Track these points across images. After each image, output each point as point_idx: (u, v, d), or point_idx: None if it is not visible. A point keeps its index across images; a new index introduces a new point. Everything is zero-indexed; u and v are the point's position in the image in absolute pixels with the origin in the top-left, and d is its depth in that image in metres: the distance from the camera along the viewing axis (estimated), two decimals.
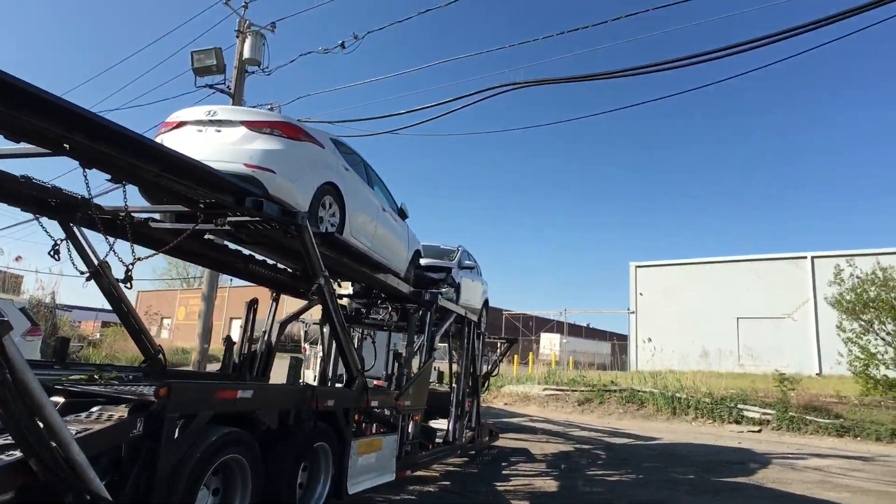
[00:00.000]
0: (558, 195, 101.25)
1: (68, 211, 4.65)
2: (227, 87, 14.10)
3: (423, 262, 8.77)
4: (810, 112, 73.82)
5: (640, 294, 34.05)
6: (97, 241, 4.84)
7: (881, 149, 69.19)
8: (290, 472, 4.29)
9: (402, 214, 7.64)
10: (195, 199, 4.24)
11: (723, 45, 8.56)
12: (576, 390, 18.68)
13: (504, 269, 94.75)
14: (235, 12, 14.56)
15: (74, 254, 4.88)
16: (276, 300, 7.69)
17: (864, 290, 16.88)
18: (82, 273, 4.76)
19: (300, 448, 4.44)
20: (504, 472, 8.84)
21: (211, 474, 3.52)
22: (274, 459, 4.13)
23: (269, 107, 14.15)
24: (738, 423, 15.34)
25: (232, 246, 6.48)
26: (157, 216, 5.31)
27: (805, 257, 29.39)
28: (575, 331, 44.97)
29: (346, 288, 8.90)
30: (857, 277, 17.29)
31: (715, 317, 29.97)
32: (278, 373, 7.09)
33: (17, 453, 2.46)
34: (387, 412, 6.30)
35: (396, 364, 7.07)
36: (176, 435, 3.21)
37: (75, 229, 4.92)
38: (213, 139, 4.90)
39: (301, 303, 8.22)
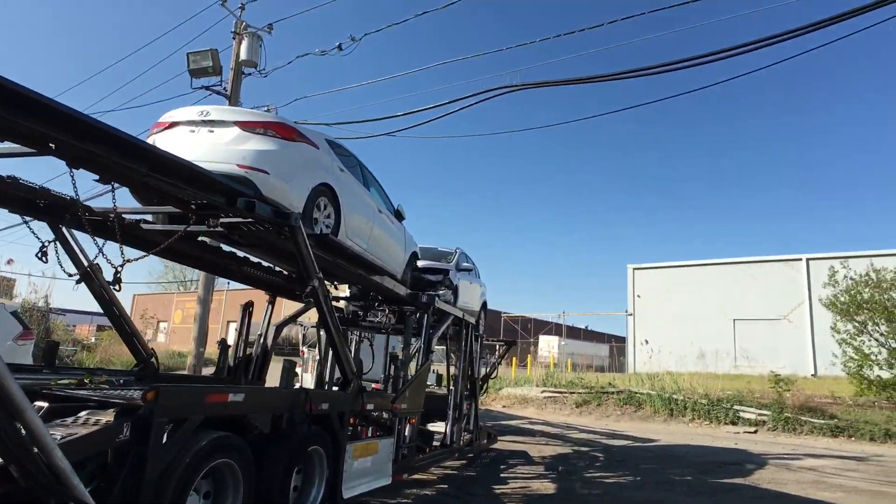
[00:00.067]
0: (556, 197, 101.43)
1: (57, 212, 4.58)
2: (224, 88, 14.05)
3: (420, 264, 8.72)
4: (807, 115, 74.16)
5: (638, 296, 34.10)
6: (89, 243, 4.77)
7: (876, 151, 69.52)
8: (283, 477, 4.22)
9: (399, 216, 7.58)
10: (186, 200, 4.17)
11: (720, 48, 8.58)
12: (574, 392, 18.65)
13: (502, 271, 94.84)
14: (232, 14, 14.52)
15: (64, 256, 4.82)
16: (272, 303, 7.64)
17: (857, 292, 16.97)
18: (71, 275, 4.69)
19: (293, 452, 4.38)
20: (502, 474, 8.78)
21: (201, 478, 3.45)
22: (267, 464, 4.06)
23: (265, 108, 14.08)
24: (734, 424, 15.35)
25: (226, 248, 6.42)
26: (149, 217, 5.25)
27: (800, 259, 29.50)
28: (573, 333, 44.97)
29: (344, 290, 8.84)
30: (851, 279, 17.38)
31: (712, 318, 30.03)
32: (274, 376, 7.03)
33: None
34: (384, 415, 6.24)
35: (393, 367, 7.02)
36: (164, 440, 3.14)
37: (65, 231, 4.86)
38: (205, 140, 4.83)
39: (298, 305, 8.17)
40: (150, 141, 4.87)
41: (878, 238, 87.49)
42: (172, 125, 5.01)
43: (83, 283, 5.11)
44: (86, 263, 4.98)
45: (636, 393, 17.75)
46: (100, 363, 19.49)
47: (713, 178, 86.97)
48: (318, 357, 9.49)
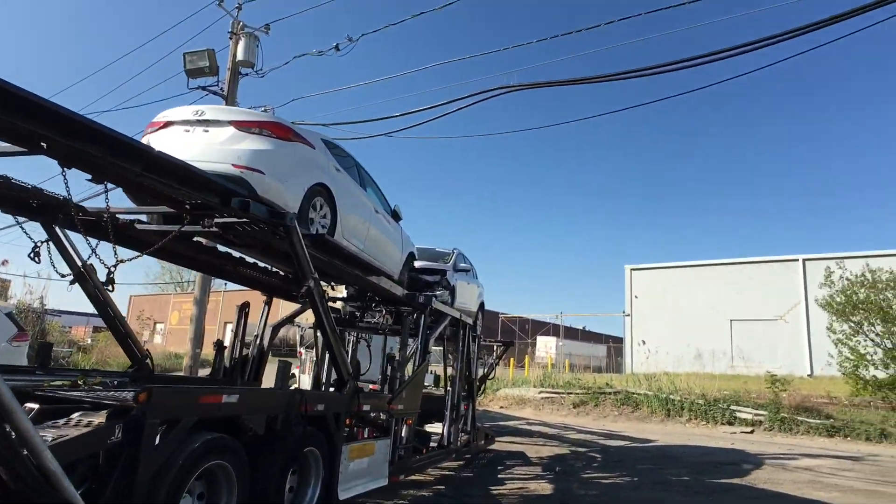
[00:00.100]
0: (554, 198, 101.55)
1: (50, 212, 4.55)
2: (221, 88, 14.00)
3: (417, 264, 8.70)
4: (804, 117, 74.41)
5: (636, 297, 34.14)
6: (84, 244, 4.73)
7: (872, 153, 69.77)
8: (277, 478, 4.19)
9: (396, 216, 7.57)
10: (180, 200, 4.14)
11: (717, 48, 8.58)
12: (571, 393, 18.66)
13: (500, 272, 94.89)
14: (229, 14, 14.48)
15: (58, 257, 4.78)
16: (268, 303, 7.61)
17: (853, 292, 17.03)
18: (63, 276, 4.66)
19: (289, 453, 4.35)
20: (499, 475, 8.76)
21: (195, 480, 3.42)
22: (261, 465, 4.03)
23: (262, 109, 14.04)
24: (730, 424, 15.37)
25: (222, 248, 6.39)
26: (143, 218, 5.22)
27: (797, 260, 29.56)
28: (571, 334, 45.00)
29: (341, 291, 8.82)
30: (847, 279, 17.43)
31: (709, 319, 30.08)
32: (271, 377, 7.00)
33: None
34: (381, 416, 6.21)
35: (390, 368, 6.99)
36: (157, 441, 3.11)
37: (58, 231, 4.82)
38: (200, 139, 4.81)
39: (296, 306, 8.13)
40: (144, 140, 4.84)
41: (874, 239, 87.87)
42: (167, 125, 4.98)
43: (77, 284, 5.07)
44: (80, 264, 4.94)
45: (633, 393, 17.76)
46: (96, 364, 19.41)
47: (710, 179, 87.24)
48: (315, 358, 9.46)
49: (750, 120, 78.73)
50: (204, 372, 12.91)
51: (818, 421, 14.51)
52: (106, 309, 5.34)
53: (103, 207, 3.96)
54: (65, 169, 3.40)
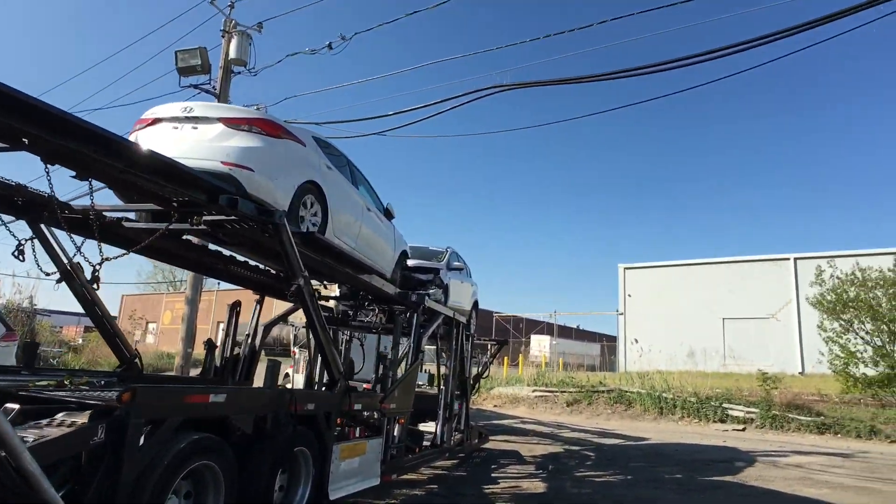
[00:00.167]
0: (547, 197, 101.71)
1: (36, 210, 4.48)
2: (213, 87, 13.91)
3: (410, 263, 8.67)
4: (797, 116, 74.87)
5: (629, 295, 34.22)
6: (73, 242, 4.66)
7: (864, 152, 70.30)
8: (266, 478, 4.15)
9: (389, 215, 7.53)
10: (167, 198, 4.09)
11: (707, 48, 8.60)
12: (565, 391, 18.68)
13: (494, 271, 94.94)
14: (221, 12, 14.40)
15: (44, 255, 4.72)
16: (260, 302, 7.56)
17: (843, 291, 17.13)
18: (48, 275, 4.59)
19: (278, 453, 4.31)
20: (493, 474, 8.74)
21: (181, 480, 3.38)
22: (249, 465, 3.99)
23: (255, 107, 13.96)
24: (722, 422, 15.44)
25: (213, 247, 6.33)
26: (132, 215, 5.16)
27: (788, 259, 29.72)
28: (565, 332, 45.03)
29: (333, 290, 8.77)
30: (838, 278, 17.53)
31: (701, 317, 30.20)
32: (263, 377, 6.95)
33: None
34: (374, 415, 6.18)
35: (382, 367, 6.96)
36: (141, 442, 3.07)
37: (44, 229, 4.76)
38: (189, 136, 4.75)
39: (289, 305, 8.08)
40: (132, 137, 4.78)
41: (863, 237, 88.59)
42: (155, 121, 4.93)
43: (64, 283, 5.01)
44: (66, 262, 4.88)
45: (626, 392, 17.80)
46: (86, 364, 19.27)
47: (704, 179, 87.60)
48: (309, 358, 9.41)
49: (743, 119, 79.17)
50: (196, 372, 12.84)
51: (809, 418, 14.60)
52: (93, 308, 5.28)
53: (89, 205, 3.90)
54: (48, 166, 3.34)
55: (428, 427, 8.82)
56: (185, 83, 13.81)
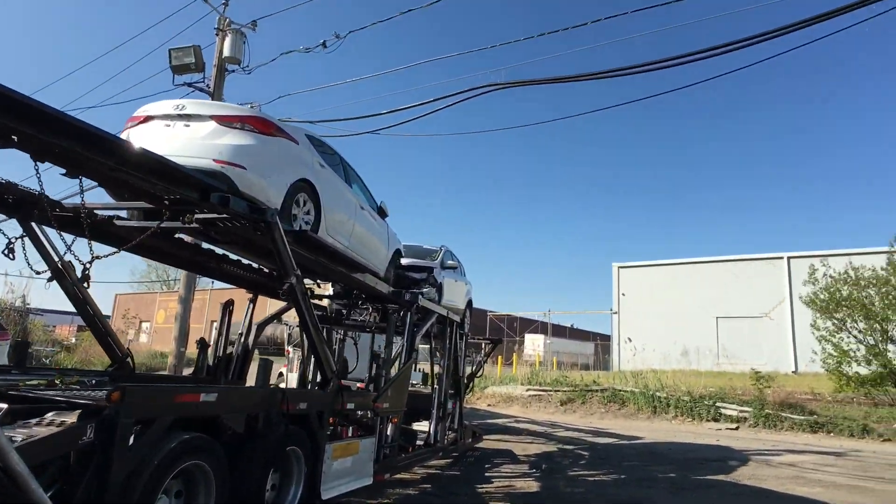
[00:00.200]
0: (542, 196, 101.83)
1: (27, 208, 4.45)
2: (207, 85, 13.83)
3: (404, 261, 8.66)
4: (791, 115, 75.24)
5: (623, 294, 34.32)
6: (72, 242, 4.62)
7: (857, 152, 70.73)
8: (258, 478, 4.13)
9: (382, 213, 7.52)
10: (159, 196, 4.07)
11: (700, 47, 8.62)
12: (558, 390, 18.71)
13: (489, 270, 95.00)
14: (215, 10, 14.31)
15: (35, 254, 4.68)
16: (253, 301, 7.54)
17: (836, 290, 17.21)
18: (38, 273, 4.56)
19: (270, 453, 4.29)
20: (486, 473, 8.75)
21: (172, 479, 3.36)
22: (241, 465, 3.97)
23: (249, 106, 13.90)
24: (716, 420, 15.50)
25: (206, 245, 6.31)
26: (124, 214, 5.13)
27: (781, 258, 29.86)
28: (559, 331, 45.14)
29: (327, 289, 8.75)
30: (831, 277, 17.61)
31: (695, 316, 30.31)
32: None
33: None
34: (368, 414, 6.17)
35: (375, 366, 6.95)
36: (131, 441, 3.04)
37: (35, 228, 4.72)
38: (181, 134, 4.73)
39: (283, 304, 8.05)
40: (124, 135, 4.75)
41: (857, 237, 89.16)
42: (147, 119, 4.90)
43: (55, 282, 4.98)
44: (57, 261, 4.84)
45: (620, 391, 17.85)
46: (79, 364, 19.16)
47: (697, 178, 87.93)
48: (302, 356, 9.39)
49: (737, 118, 79.49)
50: (189, 371, 12.79)
51: (802, 417, 14.67)
52: (85, 307, 5.24)
53: (79, 203, 3.87)
54: (37, 163, 3.32)
55: (421, 426, 8.81)
56: (179, 81, 13.72)
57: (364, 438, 5.99)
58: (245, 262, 6.66)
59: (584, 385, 18.99)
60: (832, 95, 67.46)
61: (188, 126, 4.75)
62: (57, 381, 4.45)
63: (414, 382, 11.52)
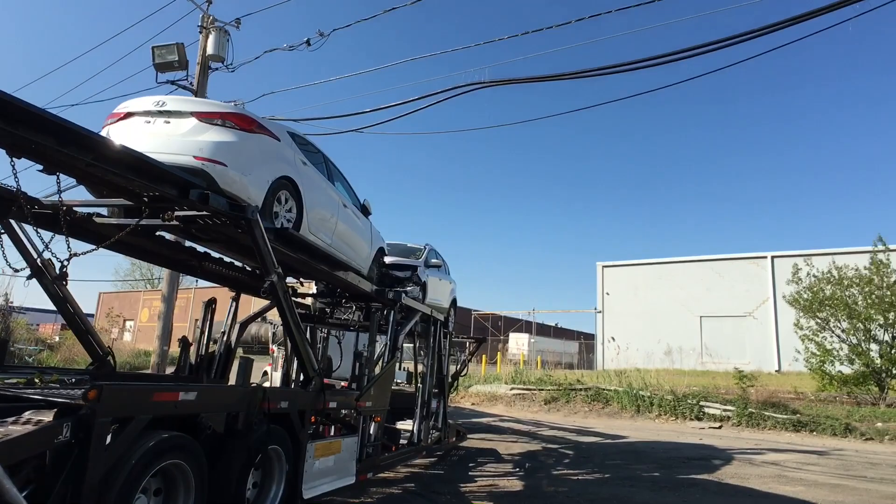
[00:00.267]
0: (526, 195, 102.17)
1: (3, 205, 4.38)
2: (190, 83, 13.73)
3: (387, 260, 8.64)
4: (777, 115, 76.16)
5: (607, 293, 34.54)
6: (45, 238, 4.56)
7: (841, 152, 71.80)
8: (238, 477, 4.11)
9: (365, 211, 7.50)
10: (138, 193, 4.03)
11: (688, 46, 8.71)
12: (542, 389, 18.76)
13: (473, 269, 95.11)
14: (199, 7, 14.20)
15: (14, 252, 4.62)
16: (235, 300, 7.49)
17: (820, 289, 17.37)
18: (17, 272, 4.50)
19: (250, 452, 4.27)
20: (470, 472, 8.77)
21: (151, 478, 3.34)
22: (221, 464, 3.95)
23: (232, 103, 13.78)
24: (699, 419, 15.62)
25: (188, 243, 6.25)
26: (104, 211, 5.08)
27: (765, 257, 30.23)
28: (543, 330, 45.32)
29: (311, 287, 8.72)
30: (814, 276, 17.78)
31: (679, 315, 30.60)
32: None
33: None
34: (352, 413, 6.16)
35: (358, 364, 6.94)
36: (108, 440, 3.02)
37: (14, 225, 4.66)
38: (161, 130, 4.70)
39: (266, 303, 8.00)
40: (104, 132, 4.71)
41: (840, 236, 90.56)
42: (128, 115, 4.86)
43: (35, 280, 4.91)
44: (37, 258, 4.78)
45: (604, 390, 17.93)
46: (62, 362, 18.91)
47: (683, 177, 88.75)
48: (286, 355, 9.34)
49: (722, 117, 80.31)
50: (171, 370, 12.67)
51: (785, 416, 14.80)
52: (65, 305, 5.17)
53: (56, 200, 3.83)
54: (13, 159, 3.28)
55: (405, 425, 8.81)
56: (163, 79, 13.59)
57: (346, 437, 5.98)
58: (227, 260, 6.61)
59: (568, 384, 19.06)
60: (822, 94, 68.33)
61: (168, 123, 4.72)
62: (36, 380, 4.40)
63: (398, 381, 11.52)
